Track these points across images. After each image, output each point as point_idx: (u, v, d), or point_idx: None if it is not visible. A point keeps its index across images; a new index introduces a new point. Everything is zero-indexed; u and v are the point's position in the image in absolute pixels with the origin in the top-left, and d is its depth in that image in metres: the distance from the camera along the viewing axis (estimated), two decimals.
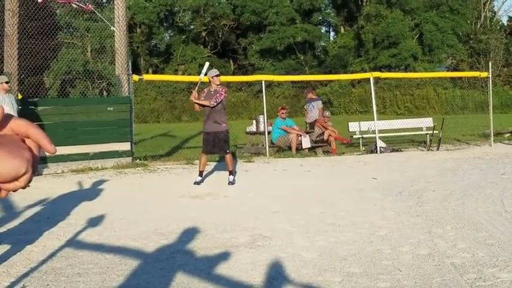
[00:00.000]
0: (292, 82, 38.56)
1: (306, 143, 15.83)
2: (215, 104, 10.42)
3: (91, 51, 27.61)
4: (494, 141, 17.08)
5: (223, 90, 10.58)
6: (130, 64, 13.90)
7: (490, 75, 17.68)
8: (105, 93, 25.11)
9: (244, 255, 6.11)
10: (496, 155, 14.97)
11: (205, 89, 10.65)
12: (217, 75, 10.62)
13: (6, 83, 10.23)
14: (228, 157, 10.62)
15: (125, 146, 13.20)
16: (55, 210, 8.26)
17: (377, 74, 21.14)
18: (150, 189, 10.40)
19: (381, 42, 43.70)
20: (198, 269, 5.65)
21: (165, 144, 17.90)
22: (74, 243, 6.70)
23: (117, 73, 14.20)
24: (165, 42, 49.69)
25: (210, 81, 10.63)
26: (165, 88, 42.24)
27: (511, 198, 8.91)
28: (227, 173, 10.88)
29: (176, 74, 42.88)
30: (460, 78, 39.90)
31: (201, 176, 10.79)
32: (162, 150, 16.29)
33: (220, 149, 10.67)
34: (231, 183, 10.59)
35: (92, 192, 9.91)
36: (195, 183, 10.62)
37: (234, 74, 45.97)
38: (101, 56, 22.56)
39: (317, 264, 5.73)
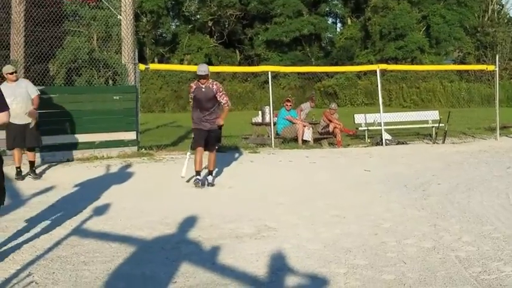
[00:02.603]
0: (298, 73, 38.40)
1: (307, 135, 15.79)
2: (229, 107, 9.99)
3: (97, 40, 27.56)
4: (500, 134, 17.04)
5: (216, 85, 9.84)
6: (136, 53, 13.89)
7: (497, 69, 17.61)
8: (110, 82, 25.10)
9: (249, 245, 6.13)
10: (502, 148, 14.94)
11: (193, 84, 9.90)
12: (201, 77, 9.75)
13: (11, 73, 10.08)
14: (214, 155, 10.02)
15: (131, 135, 13.19)
16: (61, 199, 8.29)
17: (384, 66, 21.09)
18: (156, 179, 10.41)
19: (388, 34, 43.48)
20: (203, 259, 5.67)
21: (171, 134, 17.89)
22: (79, 231, 6.73)
23: (123, 62, 14.18)
24: (171, 32, 49.54)
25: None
26: (171, 78, 42.16)
27: None
28: (233, 163, 10.91)
29: (182, 64, 42.79)
30: (467, 71, 39.73)
31: (200, 176, 9.87)
32: (167, 140, 16.28)
33: (209, 146, 9.92)
34: (210, 184, 9.84)
35: (98, 181, 9.93)
36: (196, 183, 9.76)
37: (240, 64, 45.82)
38: (107, 44, 22.53)
39: (322, 255, 5.74)
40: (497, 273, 5.09)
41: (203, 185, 9.74)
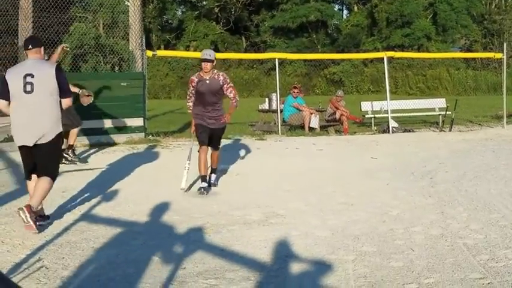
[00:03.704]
0: (304, 60, 38.33)
1: (314, 122, 15.80)
2: (237, 103, 8.62)
3: (103, 26, 27.54)
4: (507, 123, 16.99)
5: (223, 76, 8.46)
6: (144, 39, 13.88)
7: (505, 57, 17.55)
8: (116, 69, 25.10)
9: (257, 232, 6.15)
10: (509, 136, 14.90)
11: (193, 77, 8.45)
12: (206, 60, 8.31)
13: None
14: (217, 153, 8.81)
15: (138, 122, 13.23)
16: (69, 185, 8.32)
17: (391, 53, 21.05)
18: (163, 165, 10.44)
19: (394, 21, 43.29)
20: (211, 245, 5.70)
21: (177, 121, 17.90)
22: (88, 217, 6.76)
23: (130, 48, 14.19)
24: (178, 18, 49.48)
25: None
26: (177, 64, 42.15)
27: None
28: (240, 150, 10.89)
29: (188, 50, 42.75)
30: (473, 59, 39.57)
31: (206, 182, 8.42)
32: (174, 126, 16.31)
33: (212, 145, 8.63)
34: (213, 184, 8.62)
35: (105, 168, 9.97)
36: (201, 192, 8.16)
37: (246, 51, 45.78)
38: (113, 30, 22.50)
39: (330, 242, 5.76)
40: (505, 260, 5.10)
41: (207, 191, 8.26)
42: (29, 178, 6.48)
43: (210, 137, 8.46)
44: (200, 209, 7.21)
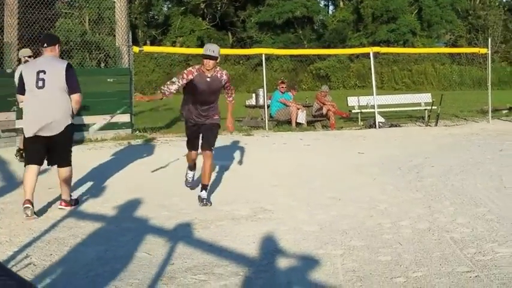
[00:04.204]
0: (291, 56, 38.38)
1: (301, 118, 15.83)
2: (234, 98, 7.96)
3: (89, 22, 27.40)
4: (492, 117, 17.11)
5: (227, 75, 7.55)
6: (130, 35, 13.84)
7: (489, 52, 17.67)
8: (102, 65, 24.99)
9: (246, 227, 6.16)
10: (494, 131, 15.02)
11: (193, 69, 7.43)
12: (209, 57, 7.25)
13: (30, 57, 9.92)
14: (210, 162, 7.49)
15: (125, 118, 13.17)
16: (56, 181, 8.27)
17: (377, 48, 21.13)
18: (150, 161, 10.41)
19: (380, 16, 43.47)
20: (200, 241, 5.71)
21: (164, 117, 17.88)
22: (76, 213, 6.75)
23: (117, 44, 14.14)
24: (164, 14, 49.29)
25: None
26: (163, 60, 42.00)
27: (509, 174, 8.97)
28: (227, 146, 10.83)
29: (174, 46, 42.59)
30: (458, 54, 39.79)
31: (193, 171, 8.18)
32: (161, 122, 16.28)
33: (204, 143, 7.56)
34: (206, 201, 7.26)
35: (92, 164, 9.90)
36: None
37: (232, 47, 45.68)
38: (99, 26, 22.41)
39: (318, 237, 5.78)
40: (491, 254, 5.15)
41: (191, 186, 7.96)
42: (32, 163, 6.70)
43: (202, 136, 7.54)
44: (188, 204, 7.20)
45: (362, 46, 37.06)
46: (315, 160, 10.76)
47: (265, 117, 15.47)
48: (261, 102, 16.06)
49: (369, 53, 18.10)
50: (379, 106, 16.80)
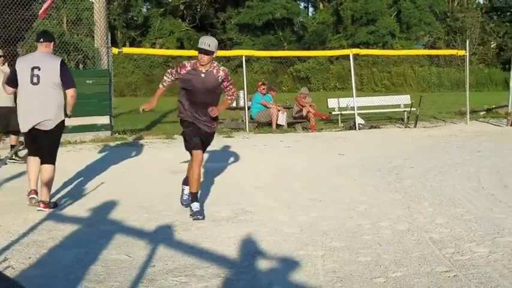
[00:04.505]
0: (271, 58, 38.45)
1: (282, 119, 15.86)
2: (233, 100, 7.55)
3: (67, 23, 27.22)
4: (470, 119, 17.28)
5: (224, 71, 6.77)
6: (109, 37, 13.77)
7: (467, 54, 17.83)
8: (81, 66, 24.83)
9: (226, 229, 6.16)
10: (472, 132, 15.17)
11: (187, 63, 6.69)
12: (203, 51, 6.49)
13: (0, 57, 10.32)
14: (199, 168, 6.93)
15: (104, 120, 13.13)
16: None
17: (357, 50, 21.23)
18: (130, 163, 10.37)
19: (359, 18, 43.75)
20: (180, 243, 5.69)
21: (144, 119, 17.78)
22: (55, 216, 6.69)
23: (96, 46, 14.07)
24: (143, 15, 49.15)
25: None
26: (143, 61, 41.86)
27: (487, 175, 9.08)
28: (208, 148, 10.81)
29: (154, 48, 42.48)
30: (437, 56, 40.16)
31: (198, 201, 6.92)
32: (141, 124, 16.21)
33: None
34: (198, 214, 6.58)
35: (72, 166, 9.84)
36: (196, 217, 6.57)
37: None
38: (77, 27, 22.27)
39: (298, 238, 5.80)
40: (469, 253, 5.20)
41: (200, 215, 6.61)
42: (32, 155, 7.07)
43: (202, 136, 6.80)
44: (169, 206, 7.18)
45: (342, 48, 37.25)
46: (295, 162, 10.79)
47: (245, 119, 15.49)
48: (241, 104, 16.07)
49: (348, 55, 18.23)
50: (359, 108, 16.89)
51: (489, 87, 39.33)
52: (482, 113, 19.80)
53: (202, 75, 6.57)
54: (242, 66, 16.58)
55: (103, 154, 11.23)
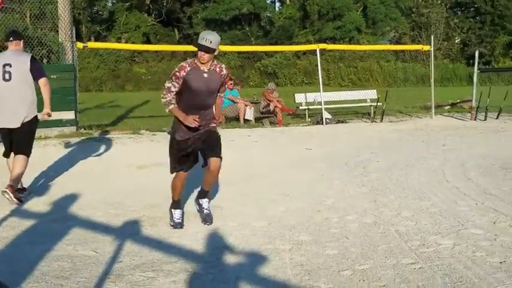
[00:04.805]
0: (238, 52, 38.42)
1: (249, 114, 15.85)
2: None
3: (30, 17, 26.81)
4: (435, 113, 17.47)
5: (227, 69, 6.12)
6: (74, 31, 13.59)
7: (432, 49, 18.02)
8: (45, 61, 24.47)
9: (194, 224, 6.15)
10: (437, 126, 15.35)
11: (185, 64, 5.86)
12: (204, 49, 5.73)
13: None
14: (219, 166, 6.26)
15: (69, 115, 12.94)
16: (3, 181, 8.09)
17: (323, 45, 21.25)
18: (96, 158, 10.26)
19: (326, 14, 43.93)
20: (148, 238, 5.68)
21: (110, 114, 17.65)
22: (20, 212, 6.61)
23: (60, 40, 13.87)
24: (108, 9, 48.63)
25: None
26: (108, 56, 41.41)
27: (451, 168, 9.20)
28: None
29: (119, 42, 42.08)
30: (402, 51, 40.55)
31: (181, 209, 6.33)
32: (106, 119, 16.06)
33: (210, 151, 6.18)
34: (207, 216, 6.26)
35: (37, 162, 9.67)
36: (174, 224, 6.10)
37: (179, 43, 45.38)
38: (41, 22, 21.93)
39: (266, 232, 5.82)
40: (435, 246, 5.28)
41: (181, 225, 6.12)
42: (8, 156, 7.38)
43: (204, 145, 6.13)
44: (135, 202, 7.14)
45: (309, 43, 37.34)
46: (263, 156, 10.80)
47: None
48: None
49: (315, 50, 18.25)
50: (326, 102, 16.94)
51: (454, 82, 39.83)
52: (447, 108, 20.04)
53: (205, 74, 5.84)
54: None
55: (69, 150, 11.09)
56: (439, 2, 49.21)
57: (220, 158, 6.20)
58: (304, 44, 34.91)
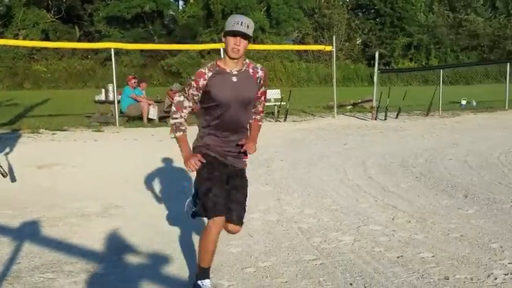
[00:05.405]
0: (141, 51, 37.97)
1: (153, 114, 15.70)
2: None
3: None
4: (337, 113, 17.91)
5: (263, 70, 4.23)
6: None
7: (334, 49, 18.45)
8: None
9: (96, 224, 6.04)
10: (339, 126, 15.74)
11: (204, 69, 4.15)
12: (240, 34, 3.97)
13: None
14: (237, 232, 4.48)
15: None
16: None
17: None
18: None
19: (230, 13, 44.08)
20: (48, 238, 5.52)
21: (6, 113, 17.01)
22: None
23: None
24: (4, 5, 46.80)
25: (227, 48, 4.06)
26: (5, 54, 39.90)
27: (352, 167, 9.46)
28: (77, 142, 10.48)
29: (17, 39, 40.59)
30: (306, 51, 41.35)
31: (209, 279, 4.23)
32: (3, 118, 15.47)
33: (234, 209, 4.33)
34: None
35: None
36: None
37: (79, 40, 44.26)
38: None
39: (169, 232, 5.78)
40: (336, 242, 5.41)
41: None
42: None
43: (229, 194, 4.28)
44: (34, 202, 6.91)
45: (213, 42, 37.39)
46: (166, 155, 10.70)
47: (115, 113, 15.18)
48: (110, 97, 15.75)
49: (219, 49, 18.28)
50: None
51: (355, 82, 41.05)
52: (348, 107, 20.61)
53: (234, 78, 4.09)
54: (111, 59, 16.22)
55: None
56: (341, 3, 50.47)
57: (242, 223, 4.42)
58: (209, 43, 34.93)
